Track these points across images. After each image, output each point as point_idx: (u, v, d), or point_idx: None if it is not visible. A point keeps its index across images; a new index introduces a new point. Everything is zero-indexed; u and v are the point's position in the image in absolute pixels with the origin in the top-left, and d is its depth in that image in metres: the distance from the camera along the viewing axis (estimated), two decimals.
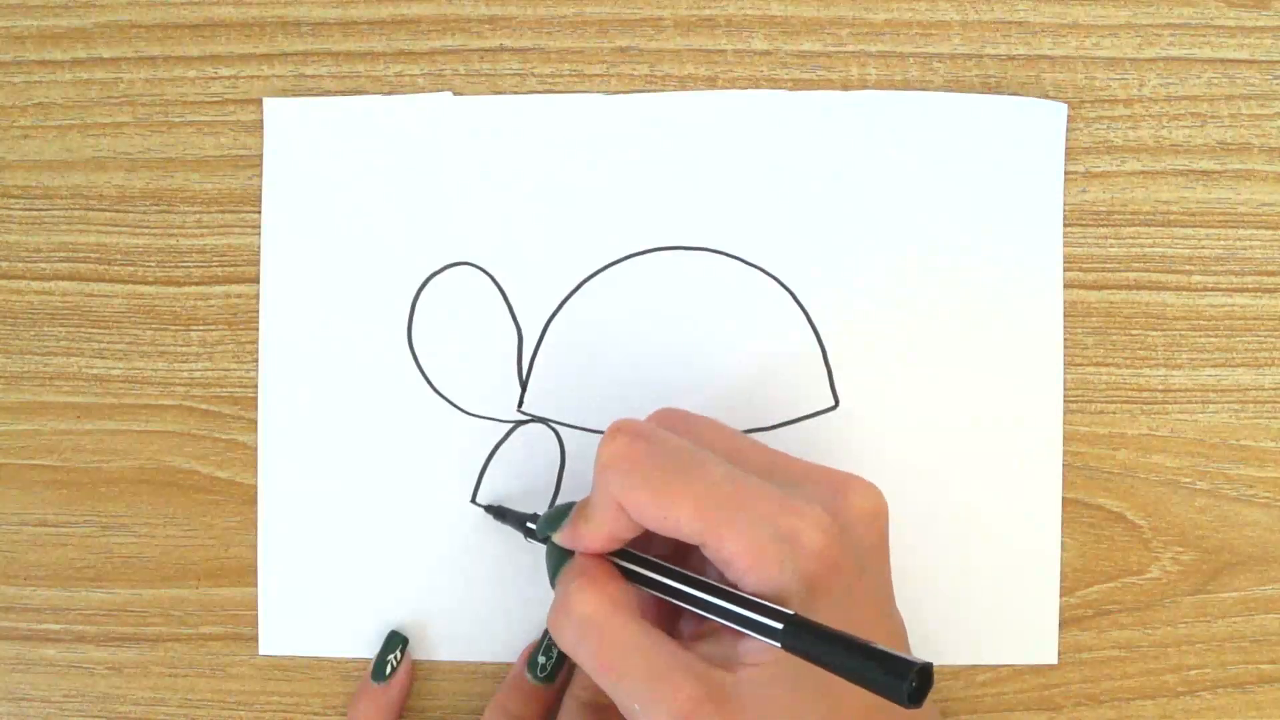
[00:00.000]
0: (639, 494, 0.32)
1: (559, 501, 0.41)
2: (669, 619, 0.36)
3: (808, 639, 0.29)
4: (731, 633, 0.33)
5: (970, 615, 0.40)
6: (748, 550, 0.32)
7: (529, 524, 0.38)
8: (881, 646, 0.28)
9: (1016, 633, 0.41)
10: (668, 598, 0.34)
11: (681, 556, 0.36)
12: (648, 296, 0.41)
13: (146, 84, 0.42)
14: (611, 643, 0.32)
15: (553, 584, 0.36)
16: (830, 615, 0.30)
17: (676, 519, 0.32)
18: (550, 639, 0.40)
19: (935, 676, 0.40)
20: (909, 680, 0.27)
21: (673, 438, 0.34)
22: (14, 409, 0.42)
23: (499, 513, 0.40)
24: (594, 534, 0.34)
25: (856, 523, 0.33)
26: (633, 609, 0.33)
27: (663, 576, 0.34)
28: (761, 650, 0.32)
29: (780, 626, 0.30)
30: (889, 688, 0.27)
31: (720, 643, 0.33)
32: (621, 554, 0.35)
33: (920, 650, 0.40)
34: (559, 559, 0.36)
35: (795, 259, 0.41)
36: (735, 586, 0.32)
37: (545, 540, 0.36)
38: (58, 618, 0.42)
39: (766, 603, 0.31)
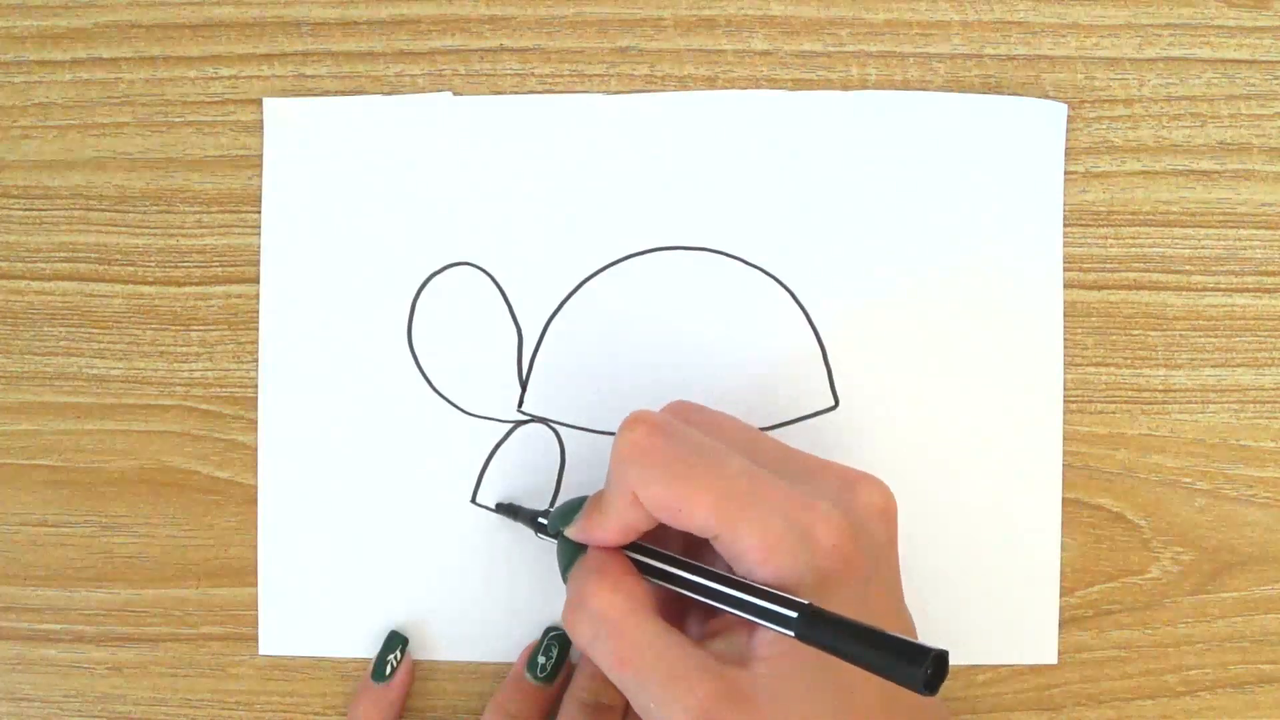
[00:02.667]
0: (656, 487, 0.32)
1: (561, 499, 0.41)
2: (679, 618, 0.36)
3: (822, 628, 0.29)
4: (744, 629, 0.33)
5: (970, 615, 0.40)
6: (762, 543, 0.32)
7: (540, 520, 0.38)
8: (896, 634, 0.28)
9: (1016, 633, 0.41)
10: (682, 590, 0.34)
11: (692, 553, 0.36)
12: (648, 296, 0.41)
13: (146, 84, 0.42)
14: (628, 640, 0.32)
15: (565, 579, 0.36)
16: (843, 610, 0.30)
17: (692, 512, 0.32)
18: (550, 639, 0.40)
19: None
20: (925, 667, 0.27)
21: (690, 430, 0.34)
22: (14, 409, 0.42)
23: (509, 510, 0.40)
24: (608, 527, 0.34)
25: (868, 519, 0.33)
26: (649, 606, 0.33)
27: (677, 569, 0.34)
28: (774, 642, 0.31)
29: (794, 615, 0.30)
30: (905, 675, 0.27)
31: (732, 640, 0.33)
32: (634, 548, 0.35)
33: None
34: (571, 554, 0.35)
35: (795, 259, 0.41)
36: (747, 576, 0.32)
37: (557, 535, 0.36)
38: (58, 618, 0.42)
39: (781, 593, 0.31)
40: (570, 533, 0.35)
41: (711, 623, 0.34)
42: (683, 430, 0.34)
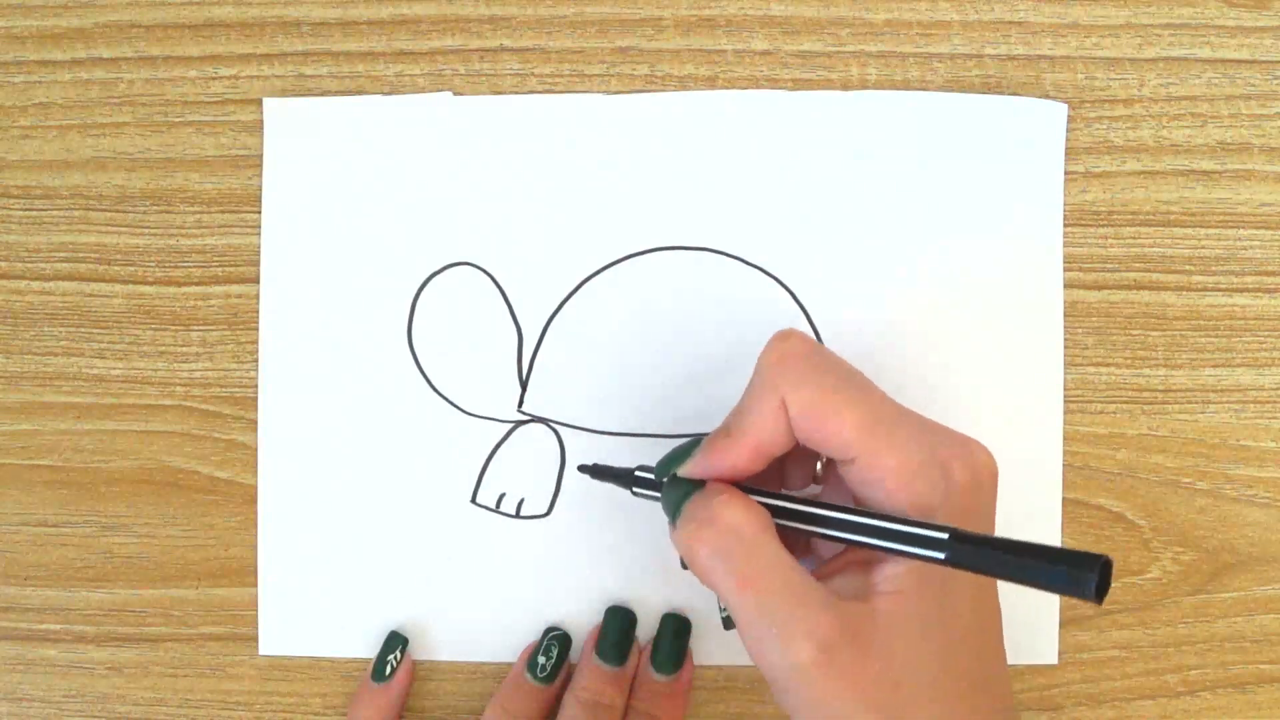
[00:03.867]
0: (809, 391, 0.32)
1: (559, 498, 0.41)
2: None
3: (977, 547, 0.29)
4: (860, 570, 0.32)
5: None
6: (902, 467, 0.31)
7: (639, 473, 0.37)
8: (1058, 546, 0.28)
9: (1017, 633, 0.41)
10: (810, 526, 0.33)
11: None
12: (648, 296, 0.41)
13: (146, 84, 0.42)
14: (758, 559, 0.31)
15: (674, 522, 0.34)
16: None
17: (840, 424, 0.32)
18: (550, 639, 0.40)
19: None
20: (1095, 573, 0.27)
21: (840, 357, 0.34)
22: (14, 409, 0.42)
23: (597, 471, 0.39)
24: (740, 446, 0.33)
25: (982, 472, 0.33)
26: (774, 533, 0.32)
27: (805, 506, 0.33)
28: (895, 579, 0.31)
29: (944, 537, 0.30)
30: (1076, 582, 0.27)
31: (849, 579, 0.32)
32: (749, 491, 0.34)
33: None
34: (682, 495, 0.34)
35: (795, 259, 0.41)
36: (879, 506, 0.32)
37: (665, 481, 0.35)
38: (58, 618, 0.42)
39: (924, 520, 0.31)
40: (689, 467, 0.34)
41: (823, 568, 0.34)
42: (829, 350, 0.34)
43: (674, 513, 0.34)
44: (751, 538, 0.32)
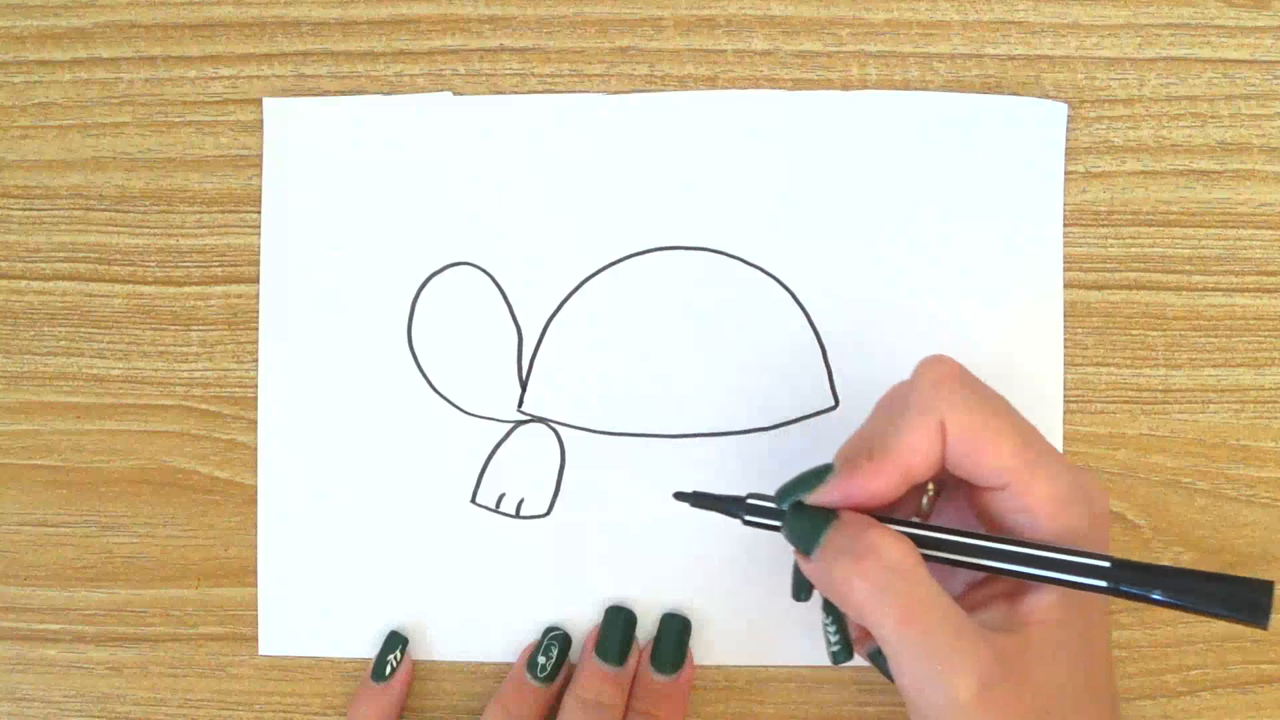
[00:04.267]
0: (970, 415, 0.32)
1: (559, 498, 0.41)
2: None
3: (1140, 576, 0.29)
4: (1004, 601, 0.32)
5: None
6: (1054, 495, 0.31)
7: (751, 500, 0.34)
8: (1224, 573, 0.28)
9: None
10: (964, 556, 0.32)
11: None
12: (648, 296, 0.41)
13: (146, 84, 0.42)
14: (918, 595, 0.31)
15: (808, 553, 0.33)
16: None
17: (998, 450, 0.31)
18: (550, 639, 0.40)
19: None
20: (1268, 598, 0.27)
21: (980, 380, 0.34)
22: (14, 409, 0.42)
23: (698, 499, 0.36)
24: (887, 471, 0.32)
25: (1106, 499, 0.33)
26: (925, 565, 0.32)
27: (959, 537, 0.32)
28: (1048, 609, 0.31)
29: (1108, 565, 0.30)
30: (1246, 609, 0.27)
31: (995, 612, 0.33)
32: (884, 521, 0.33)
33: None
34: (817, 526, 0.33)
35: (795, 259, 0.41)
36: (1024, 534, 0.32)
37: (789, 509, 0.33)
38: (58, 618, 0.42)
39: (1080, 549, 0.31)
40: (822, 494, 0.33)
41: (962, 599, 0.34)
42: (977, 377, 0.33)
43: (809, 544, 0.33)
44: (911, 573, 0.31)
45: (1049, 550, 0.31)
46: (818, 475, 0.33)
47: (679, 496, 0.36)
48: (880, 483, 0.32)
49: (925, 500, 0.36)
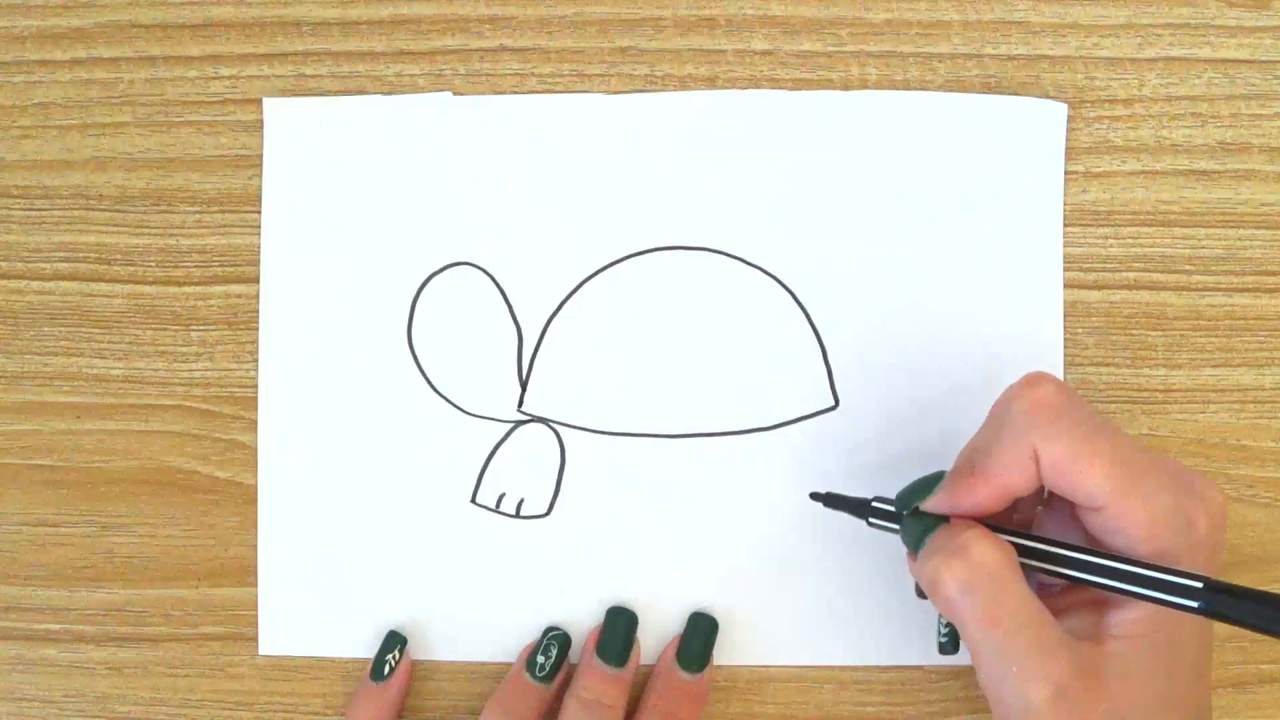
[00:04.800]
0: (1064, 444, 0.32)
1: (559, 498, 0.41)
2: None
3: (1233, 600, 0.30)
4: (1091, 609, 0.33)
5: None
6: (1150, 519, 0.32)
7: (875, 503, 0.36)
8: None
9: None
10: (1059, 568, 0.33)
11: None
12: (648, 296, 0.41)
13: (146, 84, 0.42)
14: (1006, 597, 0.32)
15: (916, 553, 0.35)
16: None
17: (1089, 476, 0.32)
18: (550, 639, 0.40)
19: (936, 676, 0.40)
20: None
21: (1085, 400, 0.34)
22: (14, 409, 0.42)
23: (830, 500, 0.38)
24: (987, 487, 0.33)
25: (1217, 517, 0.33)
26: (1020, 572, 0.33)
27: (1054, 547, 0.33)
28: (1131, 624, 0.32)
29: (1199, 586, 0.30)
30: None
31: (1082, 619, 0.33)
32: (991, 528, 0.34)
33: (921, 651, 0.40)
34: (926, 529, 0.34)
35: (795, 259, 0.41)
36: (1119, 551, 0.32)
37: (906, 514, 0.35)
38: (58, 618, 0.42)
39: (1176, 569, 0.31)
40: (934, 502, 0.35)
41: (1052, 602, 0.34)
42: (1080, 397, 0.34)
43: (916, 544, 0.35)
44: (999, 575, 0.32)
45: (1139, 566, 0.32)
46: (929, 483, 0.35)
47: (814, 497, 0.38)
48: (981, 497, 0.33)
49: (1041, 506, 0.36)
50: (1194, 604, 0.30)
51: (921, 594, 0.37)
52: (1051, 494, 0.36)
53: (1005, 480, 0.33)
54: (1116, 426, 0.34)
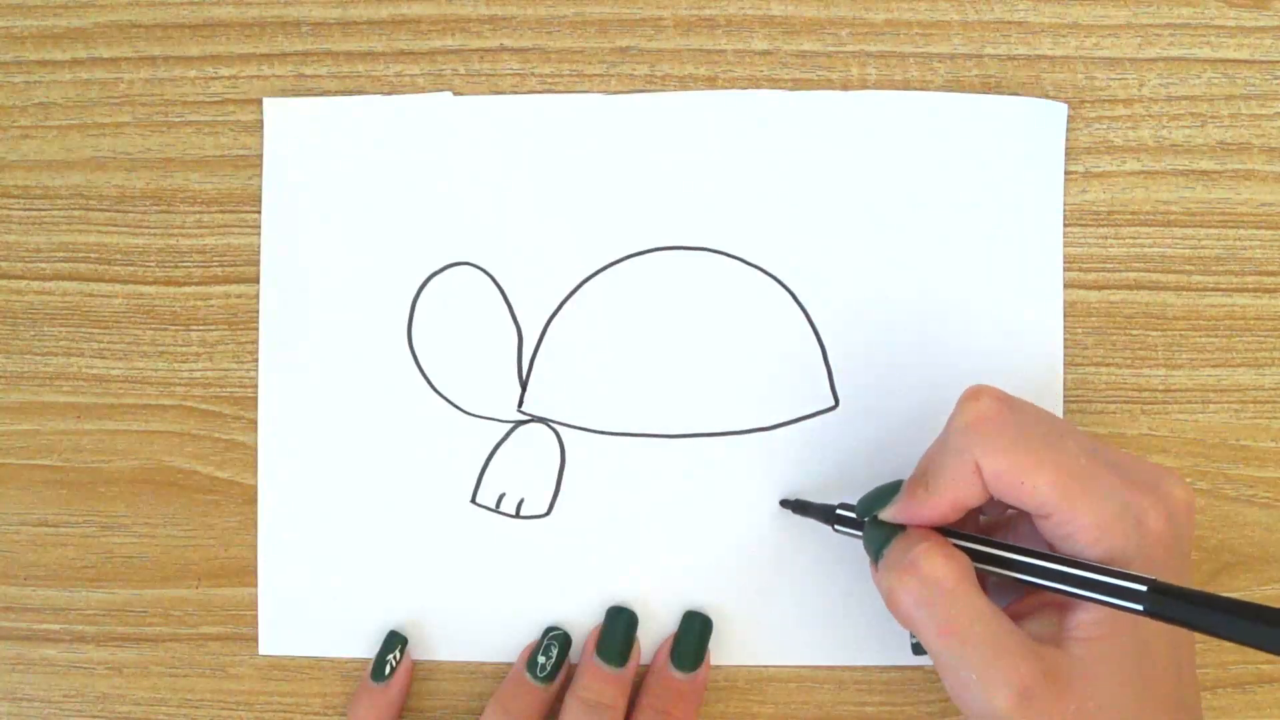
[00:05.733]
0: (1001, 458, 0.33)
1: (559, 498, 0.41)
2: None
3: (1176, 601, 0.30)
4: (1053, 612, 0.33)
5: None
6: (1096, 523, 0.32)
7: (840, 510, 0.37)
8: (1257, 603, 0.29)
9: None
10: (1011, 572, 0.33)
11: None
12: (648, 296, 0.41)
13: (146, 84, 0.42)
14: (958, 609, 0.32)
15: (876, 562, 0.35)
16: None
17: (1035, 486, 0.32)
18: (550, 639, 0.40)
19: (936, 676, 0.40)
20: None
21: (1028, 405, 0.34)
22: (14, 409, 0.42)
23: (799, 506, 0.40)
24: (938, 502, 0.34)
25: (1179, 512, 0.33)
26: (975, 581, 0.33)
27: (1008, 552, 0.33)
28: (1091, 625, 0.32)
29: (1144, 589, 0.30)
30: (1276, 641, 0.28)
31: (1043, 622, 0.34)
32: (948, 533, 0.35)
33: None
34: (882, 539, 0.35)
35: (795, 259, 0.41)
36: (1073, 556, 0.33)
37: (866, 522, 0.36)
38: (58, 618, 0.42)
39: (1124, 570, 0.31)
40: (890, 513, 0.35)
41: (1017, 604, 0.35)
42: (1022, 404, 0.34)
43: (876, 555, 0.35)
44: (952, 588, 0.33)
45: (1087, 569, 0.32)
46: (887, 493, 0.36)
47: (784, 504, 0.40)
48: (933, 510, 0.34)
49: (1010, 508, 0.36)
50: (1138, 606, 0.30)
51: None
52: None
53: (954, 494, 0.33)
54: (1065, 431, 0.34)
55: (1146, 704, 0.32)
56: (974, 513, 0.36)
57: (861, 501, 0.36)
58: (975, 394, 0.34)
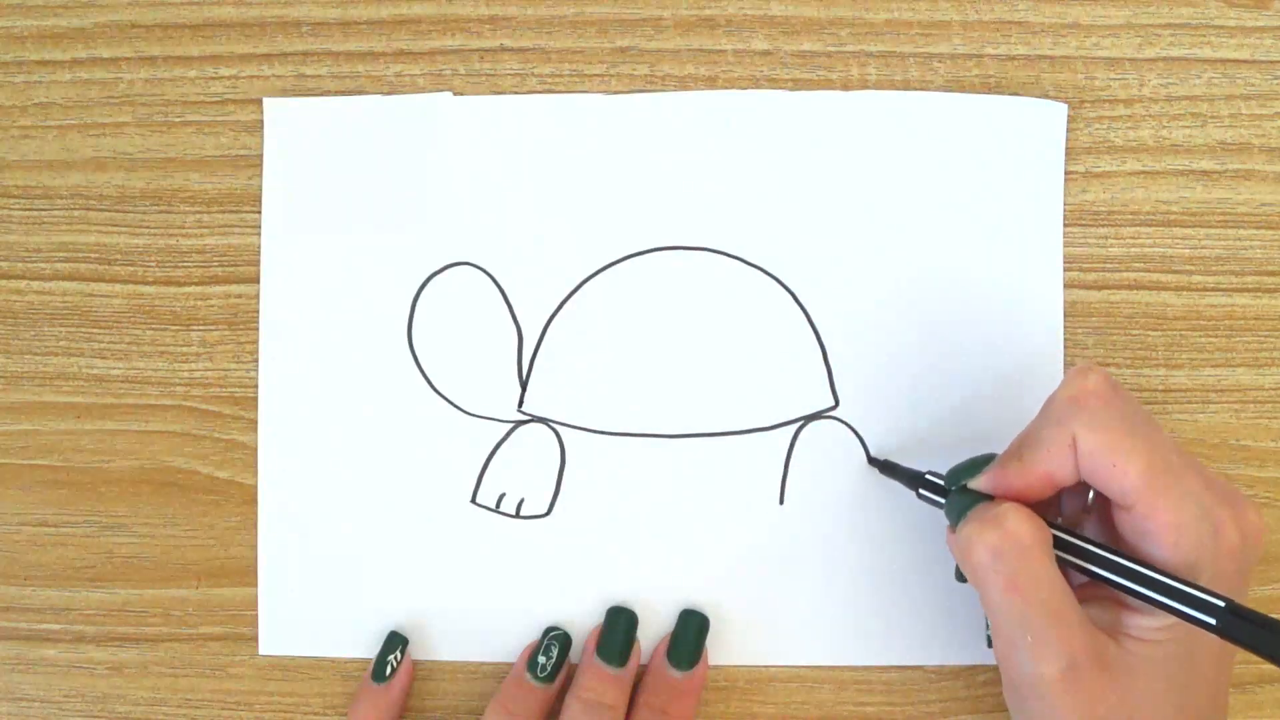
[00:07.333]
0: (1101, 434, 0.33)
1: (559, 498, 0.41)
2: None
3: (1248, 625, 0.30)
4: (1115, 603, 0.34)
5: (972, 615, 0.40)
6: (1176, 524, 0.32)
7: (929, 477, 0.38)
8: None
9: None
10: (1089, 564, 0.33)
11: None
12: (648, 296, 0.41)
13: (146, 84, 0.42)
14: (1030, 569, 0.32)
15: (954, 526, 0.35)
16: None
17: (1125, 471, 0.32)
18: (550, 639, 0.40)
19: (936, 676, 0.40)
20: None
21: (1134, 396, 0.34)
22: (14, 409, 0.42)
23: (886, 467, 0.40)
24: (1029, 471, 0.34)
25: (1251, 534, 0.33)
26: (1051, 551, 0.33)
27: (1087, 543, 0.33)
28: (1153, 629, 0.33)
29: (1221, 605, 0.30)
30: None
31: (1103, 610, 0.34)
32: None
33: (921, 650, 0.40)
34: (967, 506, 0.35)
35: (795, 259, 0.41)
36: (1147, 557, 0.33)
37: (953, 490, 0.36)
38: (58, 618, 0.42)
39: (1202, 586, 0.31)
40: (980, 482, 0.35)
41: (1081, 588, 0.35)
42: (1126, 392, 0.34)
43: (957, 517, 0.35)
44: (1029, 547, 0.33)
45: (1168, 577, 0.32)
46: (979, 464, 0.36)
47: (872, 462, 0.40)
48: (1024, 482, 0.34)
49: (1090, 499, 0.36)
50: (1212, 621, 0.30)
51: (961, 577, 0.38)
52: (1095, 500, 0.36)
53: (1047, 466, 0.33)
54: (1159, 426, 0.34)
55: (1184, 711, 0.33)
56: (1053, 508, 0.36)
57: (952, 471, 0.36)
58: (1084, 370, 0.34)
